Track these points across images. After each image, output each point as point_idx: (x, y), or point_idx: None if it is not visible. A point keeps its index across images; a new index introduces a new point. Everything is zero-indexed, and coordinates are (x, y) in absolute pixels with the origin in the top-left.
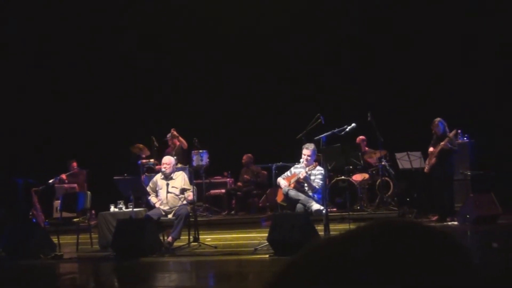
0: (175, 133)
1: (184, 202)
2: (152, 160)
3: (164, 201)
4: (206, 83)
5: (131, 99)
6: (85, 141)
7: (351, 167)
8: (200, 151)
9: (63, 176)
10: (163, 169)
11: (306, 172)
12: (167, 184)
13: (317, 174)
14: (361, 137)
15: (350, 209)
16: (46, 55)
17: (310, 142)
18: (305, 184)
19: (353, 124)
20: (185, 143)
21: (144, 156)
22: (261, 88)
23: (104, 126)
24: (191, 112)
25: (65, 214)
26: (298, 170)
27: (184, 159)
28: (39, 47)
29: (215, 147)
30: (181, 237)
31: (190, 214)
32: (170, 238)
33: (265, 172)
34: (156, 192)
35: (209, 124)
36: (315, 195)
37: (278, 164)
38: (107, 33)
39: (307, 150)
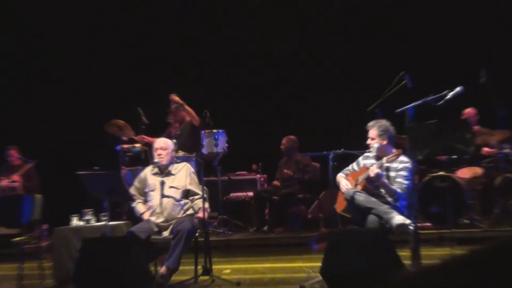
0: (177, 99)
1: (189, 212)
2: (137, 145)
3: (158, 210)
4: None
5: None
6: (35, 123)
7: (455, 156)
8: (214, 130)
9: (15, 177)
10: (156, 159)
11: (381, 167)
12: (163, 183)
13: (400, 169)
14: (469, 109)
15: (454, 224)
16: None
17: (389, 116)
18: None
19: (458, 89)
20: (196, 117)
21: (125, 138)
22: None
23: (64, 101)
24: (201, 76)
25: (0, 230)
26: (370, 161)
27: (192, 144)
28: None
29: (238, 125)
30: (183, 267)
31: (198, 231)
32: (163, 268)
33: (317, 165)
34: (145, 196)
35: (228, 92)
36: (397, 202)
37: (337, 151)
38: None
39: (370, 131)
